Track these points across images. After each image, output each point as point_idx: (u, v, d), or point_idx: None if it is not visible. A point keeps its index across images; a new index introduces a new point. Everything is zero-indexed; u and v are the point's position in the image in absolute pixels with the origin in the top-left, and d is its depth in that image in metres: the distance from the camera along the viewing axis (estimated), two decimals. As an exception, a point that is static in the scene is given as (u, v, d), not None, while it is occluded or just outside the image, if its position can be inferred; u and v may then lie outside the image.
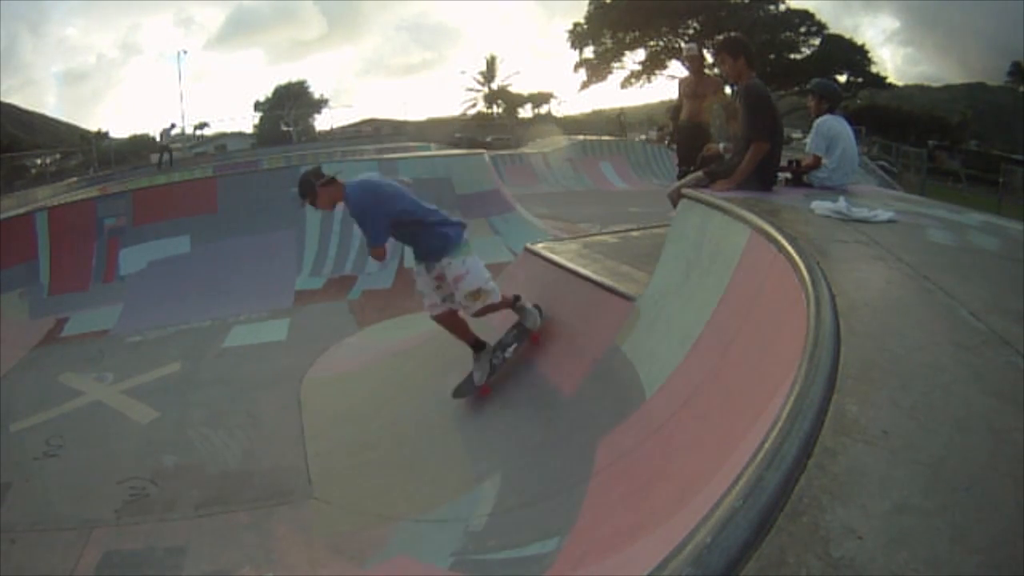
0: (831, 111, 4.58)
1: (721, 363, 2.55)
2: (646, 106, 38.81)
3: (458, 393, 3.98)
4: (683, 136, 5.84)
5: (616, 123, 30.27)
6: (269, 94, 41.31)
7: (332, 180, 3.72)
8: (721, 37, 4.55)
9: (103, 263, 7.91)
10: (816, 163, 4.46)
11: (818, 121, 4.49)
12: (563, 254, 4.70)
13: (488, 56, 46.45)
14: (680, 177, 5.86)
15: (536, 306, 4.12)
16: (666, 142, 6.36)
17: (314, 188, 3.68)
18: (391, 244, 3.75)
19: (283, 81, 43.72)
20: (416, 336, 5.76)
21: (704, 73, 6.01)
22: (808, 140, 4.71)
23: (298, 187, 3.74)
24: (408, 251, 8.52)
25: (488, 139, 27.98)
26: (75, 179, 16.96)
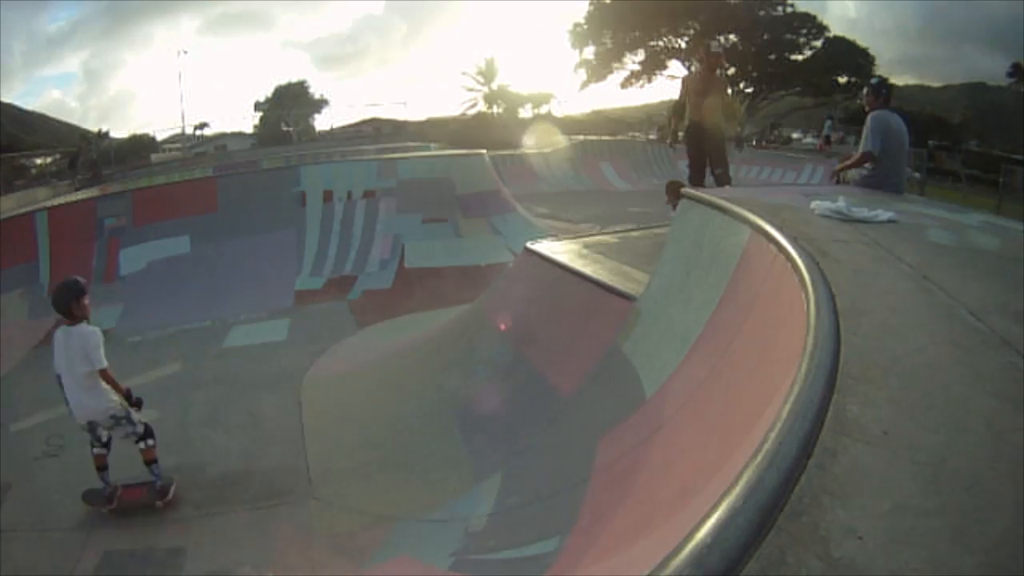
0: (885, 105, 4.41)
1: (721, 363, 2.55)
2: (646, 106, 38.74)
3: None
4: (692, 136, 5.79)
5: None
6: (269, 94, 41.35)
7: None
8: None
9: (103, 263, 7.90)
10: (864, 159, 4.35)
11: (871, 115, 4.34)
12: (563, 254, 4.70)
13: (488, 56, 46.48)
14: (691, 178, 5.83)
15: None
16: (668, 141, 6.26)
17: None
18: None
19: (283, 81, 43.73)
20: (416, 336, 5.77)
21: (715, 73, 5.97)
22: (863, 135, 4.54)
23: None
24: (408, 251, 8.67)
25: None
26: (68, 181, 16.93)
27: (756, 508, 1.08)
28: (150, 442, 3.72)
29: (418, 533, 3.15)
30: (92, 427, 3.58)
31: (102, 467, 3.63)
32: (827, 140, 23.61)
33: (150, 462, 3.71)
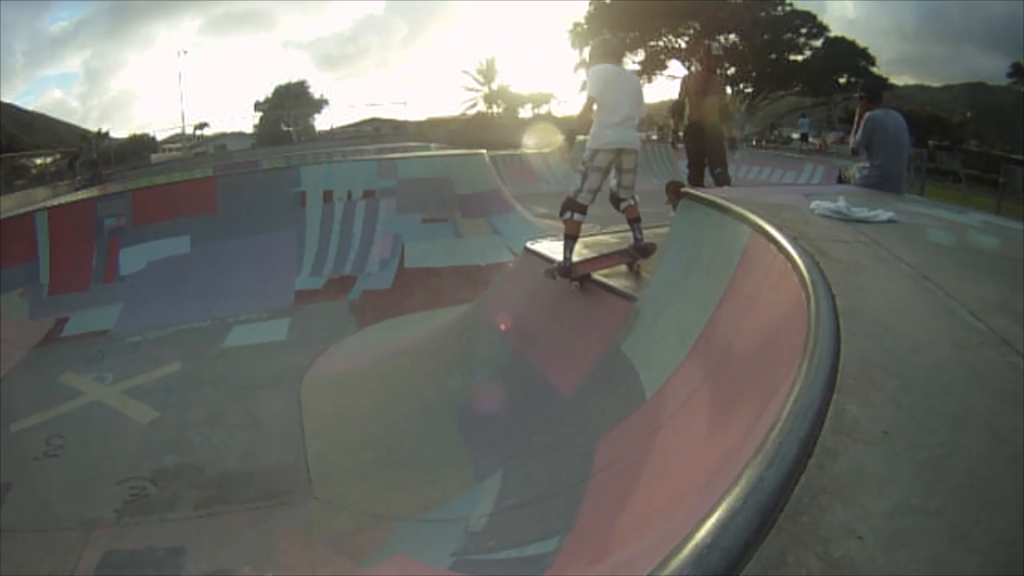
0: (876, 104, 4.45)
1: (721, 363, 2.55)
2: (646, 106, 38.73)
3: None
4: (692, 136, 5.78)
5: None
6: (269, 94, 41.33)
7: None
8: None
9: (103, 263, 7.91)
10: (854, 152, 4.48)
11: (865, 116, 4.39)
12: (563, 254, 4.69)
13: (488, 56, 46.50)
14: (690, 177, 5.83)
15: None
16: (670, 140, 6.25)
17: None
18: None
19: (283, 81, 43.70)
20: (416, 336, 5.77)
21: (715, 73, 5.98)
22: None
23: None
24: (408, 251, 8.69)
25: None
26: (68, 181, 16.93)
27: (756, 508, 1.08)
28: (638, 197, 4.18)
29: (418, 533, 3.15)
30: (615, 160, 3.97)
31: (575, 235, 4.02)
32: (804, 138, 23.69)
33: (633, 220, 4.13)
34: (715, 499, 1.19)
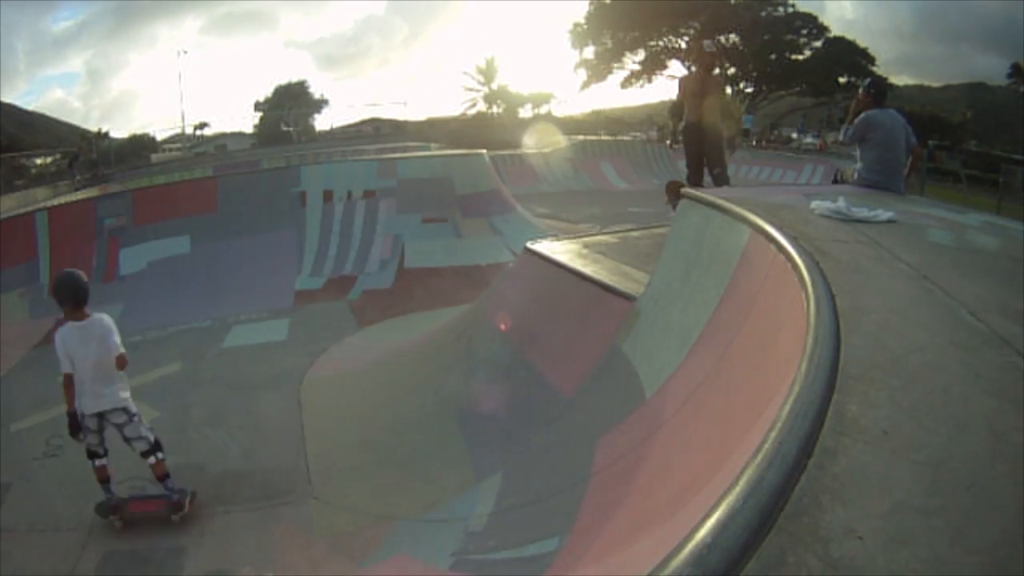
0: (878, 104, 4.44)
1: (721, 363, 2.55)
2: (646, 106, 38.70)
3: None
4: (690, 136, 5.77)
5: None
6: (269, 94, 41.36)
7: None
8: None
9: (103, 263, 7.90)
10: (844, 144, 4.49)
11: (862, 114, 4.40)
12: (563, 254, 4.70)
13: (488, 56, 46.58)
14: (689, 178, 5.83)
15: None
16: (668, 142, 6.26)
17: None
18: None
19: (283, 81, 43.72)
20: (416, 336, 5.77)
21: (712, 72, 5.97)
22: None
23: None
24: (408, 251, 8.69)
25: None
26: (68, 181, 16.93)
27: (756, 508, 1.08)
28: (160, 455, 3.53)
29: (418, 533, 3.15)
30: (101, 422, 3.43)
31: (105, 479, 3.50)
32: (746, 133, 23.76)
33: (162, 477, 3.53)
34: (715, 499, 1.19)
